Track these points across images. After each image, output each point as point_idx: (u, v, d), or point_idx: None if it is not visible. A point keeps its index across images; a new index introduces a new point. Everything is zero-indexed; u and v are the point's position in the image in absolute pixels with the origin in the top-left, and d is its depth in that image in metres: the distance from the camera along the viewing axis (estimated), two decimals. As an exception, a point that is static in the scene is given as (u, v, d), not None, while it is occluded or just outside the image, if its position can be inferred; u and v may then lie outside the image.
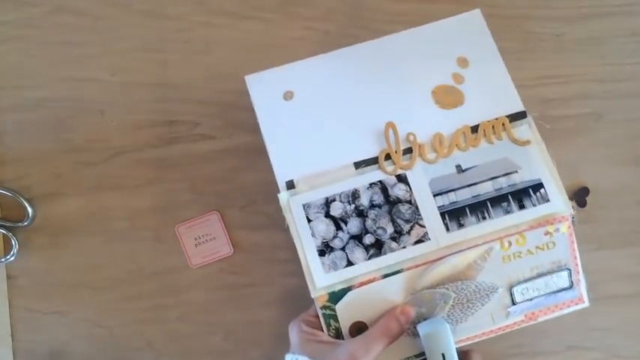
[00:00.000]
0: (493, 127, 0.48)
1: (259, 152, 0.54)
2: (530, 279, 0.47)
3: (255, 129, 0.49)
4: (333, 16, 0.56)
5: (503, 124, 0.48)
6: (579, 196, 0.54)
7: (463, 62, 0.50)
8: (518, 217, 0.47)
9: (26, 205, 0.54)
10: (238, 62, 0.56)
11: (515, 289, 0.46)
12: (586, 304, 0.48)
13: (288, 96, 0.49)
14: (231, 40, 0.56)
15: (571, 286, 0.47)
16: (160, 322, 0.55)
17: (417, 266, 0.46)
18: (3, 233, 0.54)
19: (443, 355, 0.43)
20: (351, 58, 0.51)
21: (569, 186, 0.54)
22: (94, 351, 0.55)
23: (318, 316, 0.47)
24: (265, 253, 0.55)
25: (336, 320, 0.46)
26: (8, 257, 0.54)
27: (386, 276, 0.46)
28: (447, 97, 0.49)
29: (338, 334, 0.46)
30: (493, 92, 0.49)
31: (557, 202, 0.47)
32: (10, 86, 0.56)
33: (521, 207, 0.47)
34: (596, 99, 0.55)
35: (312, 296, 0.47)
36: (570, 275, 0.47)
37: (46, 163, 0.55)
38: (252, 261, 0.55)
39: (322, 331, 0.47)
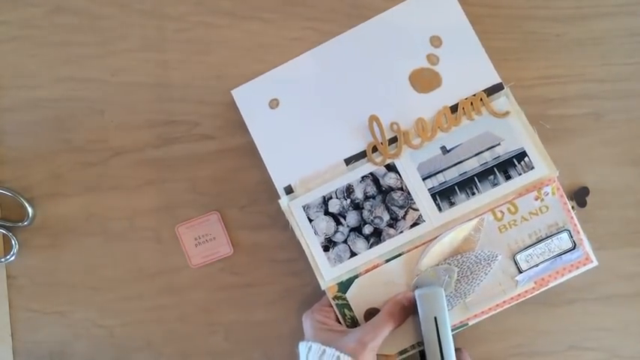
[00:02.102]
0: (472, 103, 0.50)
1: (259, 152, 0.54)
2: (531, 245, 0.48)
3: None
4: (333, 16, 0.56)
5: (481, 99, 0.50)
6: (579, 196, 0.54)
7: (437, 41, 0.51)
8: (506, 187, 0.49)
9: (26, 205, 0.54)
10: (238, 62, 0.56)
11: (518, 257, 0.48)
12: (595, 263, 0.49)
13: (273, 104, 0.51)
14: (231, 40, 0.56)
15: (574, 247, 0.48)
16: (160, 322, 0.55)
17: (415, 248, 0.49)
18: (3, 233, 0.54)
19: (435, 319, 0.44)
20: (327, 55, 0.52)
21: (569, 186, 0.54)
22: (94, 351, 0.55)
23: (330, 306, 0.49)
24: (265, 253, 0.55)
25: (350, 309, 0.49)
26: (8, 257, 0.54)
27: (388, 261, 0.49)
28: (424, 80, 0.51)
29: (354, 323, 0.49)
30: (469, 68, 0.51)
31: (542, 167, 0.49)
32: (10, 86, 0.56)
33: (508, 177, 0.49)
34: (596, 99, 0.55)
35: (323, 288, 0.49)
36: (571, 236, 0.48)
37: (46, 163, 0.55)
38: (252, 261, 0.55)
39: (335, 321, 0.49)
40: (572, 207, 0.54)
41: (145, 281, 0.55)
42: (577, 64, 0.55)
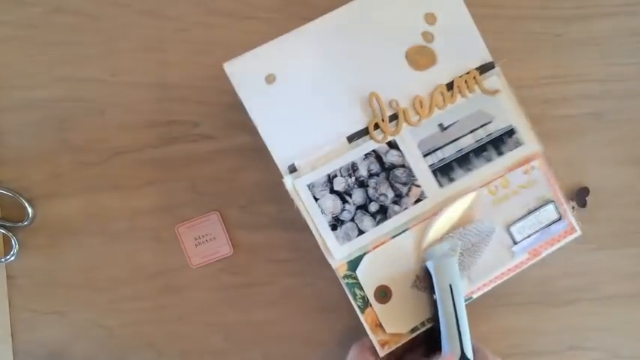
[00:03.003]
0: (466, 81, 0.51)
1: (259, 152, 0.54)
2: (523, 217, 0.51)
3: (255, 129, 0.49)
4: (333, 16, 0.56)
5: (474, 78, 0.51)
6: (580, 197, 0.54)
7: (431, 18, 0.51)
8: (498, 163, 0.51)
9: (26, 205, 0.54)
10: (238, 62, 0.55)
11: (512, 229, 0.50)
12: (578, 232, 0.51)
13: (270, 79, 0.50)
14: (230, 40, 0.56)
15: (560, 218, 0.51)
16: (160, 322, 0.55)
17: (420, 223, 0.50)
18: (3, 233, 0.54)
19: (450, 286, 0.45)
20: (323, 30, 0.51)
21: (568, 185, 0.54)
22: (94, 351, 0.55)
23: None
24: (265, 253, 0.55)
25: (360, 288, 0.49)
26: (8, 257, 0.54)
27: (395, 237, 0.50)
28: (420, 58, 0.51)
29: (365, 303, 0.49)
30: (462, 46, 0.52)
31: (529, 143, 0.51)
32: (10, 86, 0.55)
33: (500, 154, 0.51)
34: (596, 99, 0.55)
35: (333, 267, 0.49)
36: (556, 207, 0.51)
37: (46, 163, 0.55)
38: (252, 261, 0.55)
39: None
40: (573, 207, 0.54)
41: (145, 281, 0.55)
42: (577, 64, 0.55)
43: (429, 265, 0.46)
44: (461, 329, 0.43)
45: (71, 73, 0.55)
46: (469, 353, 0.43)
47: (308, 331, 0.55)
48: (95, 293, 0.55)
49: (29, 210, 0.54)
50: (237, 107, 0.55)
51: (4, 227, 0.54)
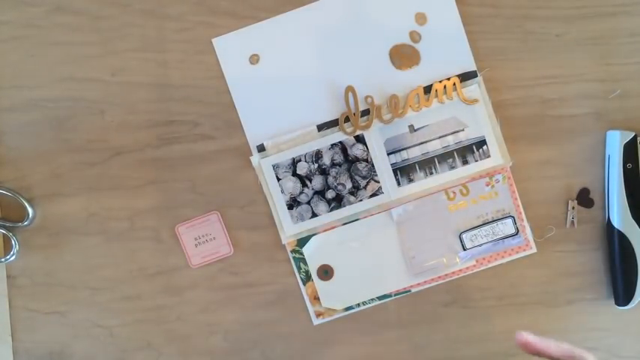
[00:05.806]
0: (445, 87, 0.52)
1: (236, 108, 0.54)
2: (477, 226, 0.53)
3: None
4: (333, 16, 0.56)
5: (454, 84, 0.52)
6: (583, 198, 0.54)
7: (421, 18, 0.52)
8: (461, 171, 0.53)
9: (26, 205, 0.54)
10: (238, 62, 0.55)
11: (464, 236, 0.53)
12: (533, 249, 0.53)
13: (254, 60, 0.53)
14: (231, 40, 0.56)
15: (517, 233, 0.52)
16: (160, 322, 0.55)
17: (371, 215, 0.53)
18: (3, 233, 0.54)
19: None
20: (313, 17, 0.53)
21: (568, 185, 0.54)
22: (94, 351, 0.55)
23: None
24: (265, 253, 0.55)
25: (305, 263, 0.53)
26: (8, 257, 0.54)
27: (345, 224, 0.54)
28: (404, 57, 0.53)
29: (308, 276, 0.53)
30: (448, 50, 0.53)
31: (497, 157, 0.53)
32: (10, 86, 0.55)
33: (465, 162, 0.53)
34: (596, 99, 0.55)
35: (283, 242, 0.54)
36: (515, 222, 0.52)
37: (46, 163, 0.55)
38: (252, 261, 0.55)
39: None
40: (573, 207, 0.54)
41: (145, 281, 0.55)
42: (577, 64, 0.55)
43: None
44: None
45: (71, 73, 0.55)
46: None
47: (308, 330, 0.55)
48: (95, 293, 0.55)
49: (29, 210, 0.54)
50: (236, 107, 0.55)
51: (4, 227, 0.54)
